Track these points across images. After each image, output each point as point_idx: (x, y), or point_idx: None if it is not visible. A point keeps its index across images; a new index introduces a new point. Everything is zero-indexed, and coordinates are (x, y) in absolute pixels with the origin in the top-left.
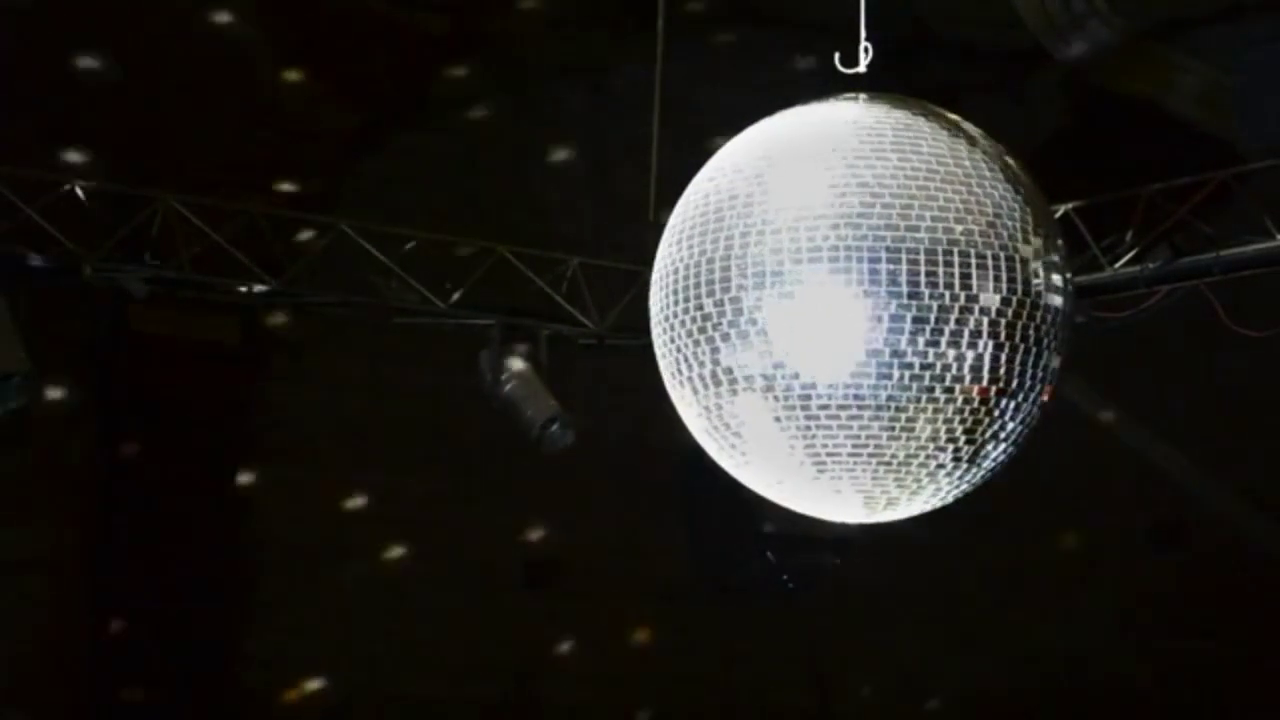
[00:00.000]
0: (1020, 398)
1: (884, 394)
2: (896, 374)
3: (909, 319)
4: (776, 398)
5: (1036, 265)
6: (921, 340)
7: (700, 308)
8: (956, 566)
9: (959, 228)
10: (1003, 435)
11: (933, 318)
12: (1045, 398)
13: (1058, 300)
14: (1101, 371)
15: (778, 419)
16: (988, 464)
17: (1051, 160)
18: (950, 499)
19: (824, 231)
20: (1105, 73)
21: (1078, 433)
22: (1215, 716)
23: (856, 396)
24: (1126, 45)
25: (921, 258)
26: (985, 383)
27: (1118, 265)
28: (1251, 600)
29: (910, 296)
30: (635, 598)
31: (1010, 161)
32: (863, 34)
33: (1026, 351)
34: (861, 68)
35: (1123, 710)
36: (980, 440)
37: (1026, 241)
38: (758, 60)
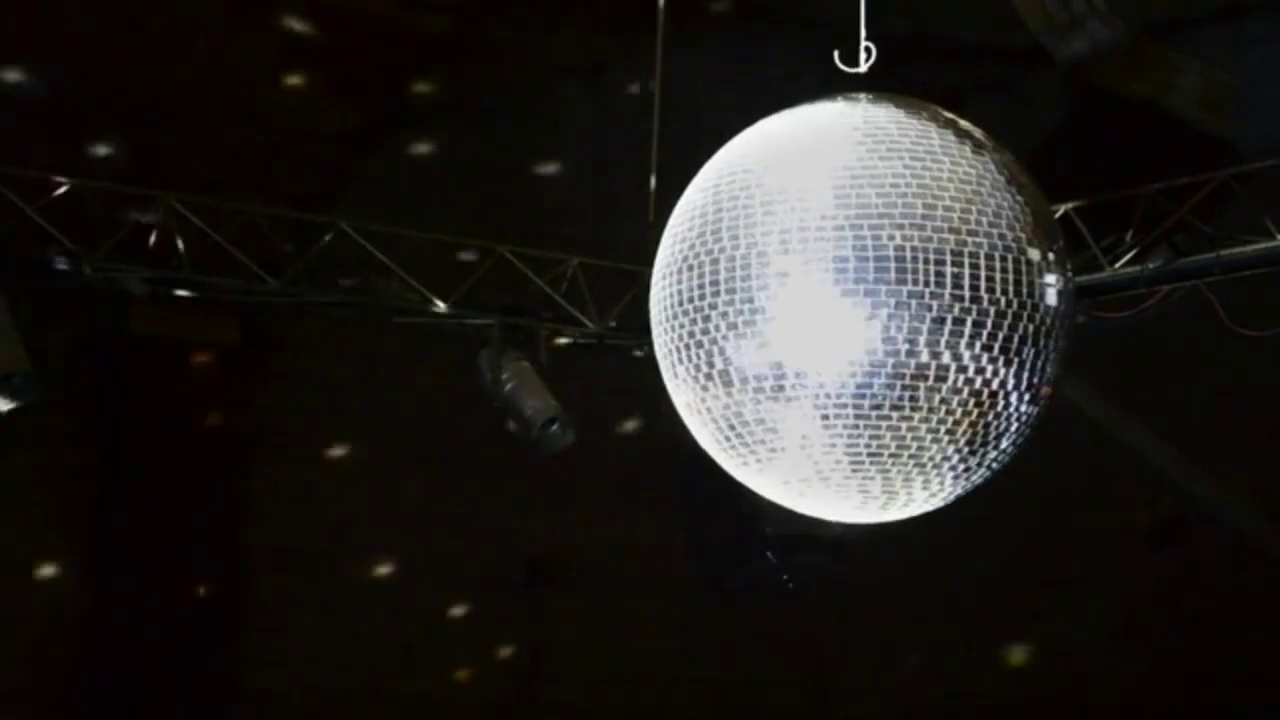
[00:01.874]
0: (1030, 398)
1: (937, 397)
2: (952, 377)
3: (969, 322)
4: (829, 395)
5: (1042, 267)
6: (978, 344)
7: (750, 300)
8: (956, 566)
9: (1010, 234)
10: (1017, 436)
11: (989, 322)
12: (1047, 398)
13: (1061, 301)
14: (1101, 371)
15: (826, 416)
16: (995, 464)
17: (1051, 160)
18: (953, 498)
19: (889, 231)
20: (1105, 73)
21: (1078, 433)
22: (1215, 716)
23: (912, 398)
24: (1126, 45)
25: (981, 262)
26: (1044, 388)
27: (1118, 265)
28: (1251, 600)
29: (971, 301)
30: (635, 598)
31: (1013, 163)
32: (863, 34)
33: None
34: (863, 68)
35: (1123, 710)
36: (1005, 442)
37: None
38: (758, 60)
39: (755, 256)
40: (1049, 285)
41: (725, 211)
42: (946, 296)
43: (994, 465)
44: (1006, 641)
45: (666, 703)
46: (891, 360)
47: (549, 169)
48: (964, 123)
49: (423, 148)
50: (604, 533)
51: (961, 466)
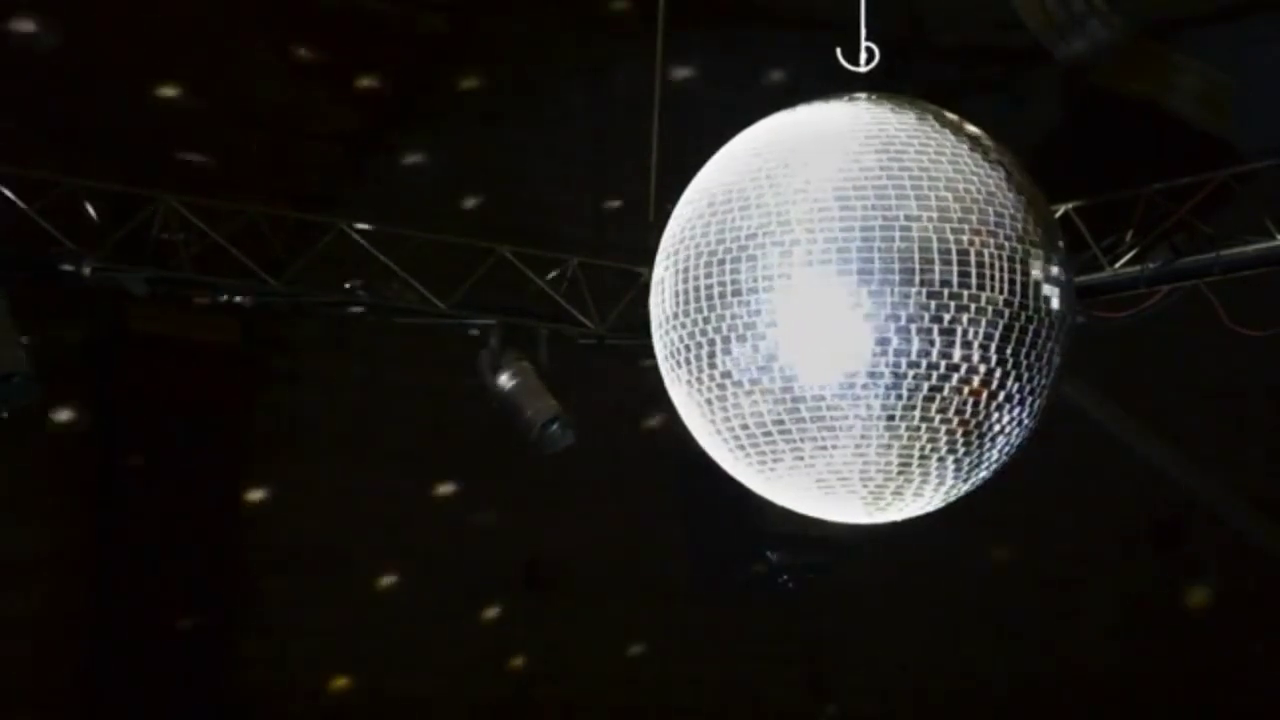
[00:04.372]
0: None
1: (980, 400)
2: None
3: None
4: (899, 395)
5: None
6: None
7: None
8: (956, 566)
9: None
10: (1020, 436)
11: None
12: (1046, 398)
13: (1059, 301)
14: (1101, 371)
15: (892, 416)
16: (999, 463)
17: (1051, 160)
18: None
19: (963, 235)
20: (1105, 73)
21: (1078, 433)
22: (1214, 716)
23: (971, 401)
24: (1126, 45)
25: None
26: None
27: (1118, 265)
28: (1251, 600)
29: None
30: (635, 598)
31: (1011, 162)
32: (863, 34)
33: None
34: (863, 68)
35: (1122, 710)
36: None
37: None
38: (758, 60)
39: (836, 252)
40: (1050, 286)
41: (792, 205)
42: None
43: (998, 464)
44: (1006, 642)
45: (666, 703)
46: (965, 364)
47: (549, 169)
48: (965, 123)
49: (423, 148)
50: (604, 533)
51: (973, 466)
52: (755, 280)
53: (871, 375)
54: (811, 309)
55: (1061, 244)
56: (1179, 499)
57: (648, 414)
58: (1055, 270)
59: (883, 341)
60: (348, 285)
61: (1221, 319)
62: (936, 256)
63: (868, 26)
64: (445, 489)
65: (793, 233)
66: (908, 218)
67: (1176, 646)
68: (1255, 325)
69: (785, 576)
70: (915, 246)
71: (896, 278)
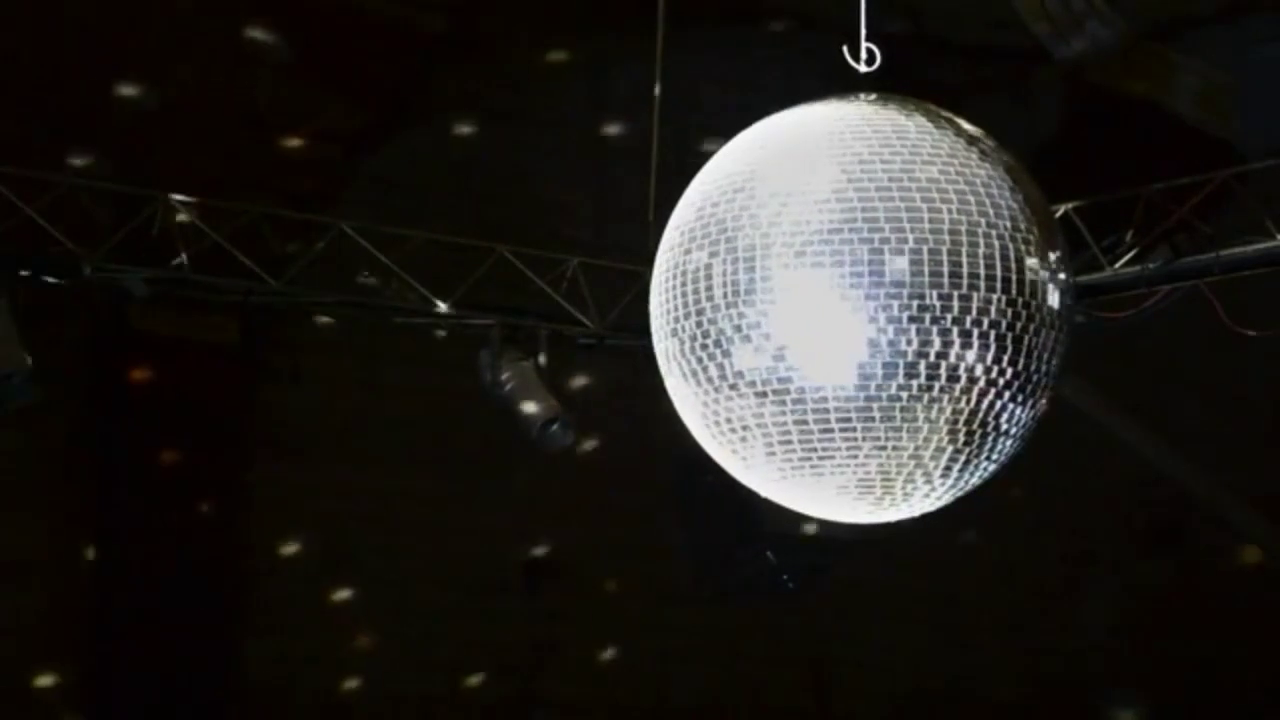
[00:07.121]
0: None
1: (1005, 404)
2: (964, 378)
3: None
4: (969, 400)
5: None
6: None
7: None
8: (956, 566)
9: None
10: (1005, 435)
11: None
12: (1045, 398)
13: (1058, 300)
14: (1101, 371)
15: (956, 420)
16: (989, 464)
17: (1051, 160)
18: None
19: (1034, 243)
20: (1105, 73)
21: (1078, 433)
22: (1214, 716)
23: (1002, 411)
24: (1126, 45)
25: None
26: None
27: (1118, 265)
28: (1251, 600)
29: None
30: (635, 598)
31: (1011, 162)
32: (863, 34)
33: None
34: (863, 67)
35: (1122, 710)
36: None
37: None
38: (758, 60)
39: (927, 253)
40: (1050, 285)
41: (879, 201)
42: (1034, 305)
43: (997, 464)
44: (1006, 642)
45: (666, 703)
46: (1026, 371)
47: (549, 169)
48: (964, 123)
49: (423, 148)
50: (604, 533)
51: (987, 466)
52: (843, 275)
53: (951, 379)
54: (899, 308)
55: (1062, 243)
56: (1179, 499)
57: (647, 413)
58: (1058, 271)
59: (966, 345)
60: (362, 277)
61: (1221, 319)
62: (1014, 263)
63: (867, 26)
64: (445, 489)
65: (882, 231)
66: (989, 224)
67: (1177, 645)
68: (1255, 325)
69: (785, 576)
70: (996, 253)
71: (982, 283)
